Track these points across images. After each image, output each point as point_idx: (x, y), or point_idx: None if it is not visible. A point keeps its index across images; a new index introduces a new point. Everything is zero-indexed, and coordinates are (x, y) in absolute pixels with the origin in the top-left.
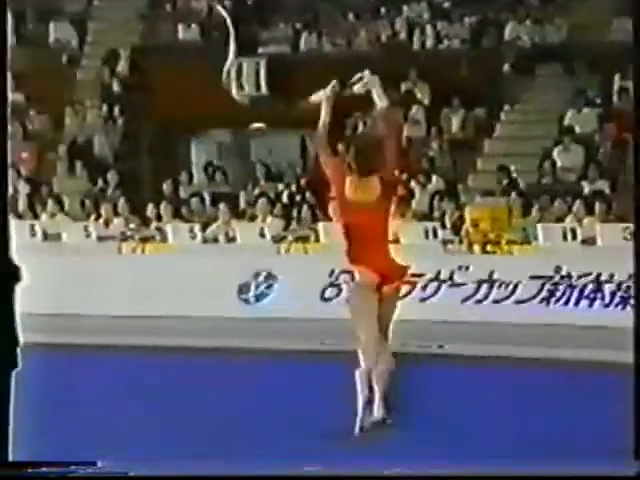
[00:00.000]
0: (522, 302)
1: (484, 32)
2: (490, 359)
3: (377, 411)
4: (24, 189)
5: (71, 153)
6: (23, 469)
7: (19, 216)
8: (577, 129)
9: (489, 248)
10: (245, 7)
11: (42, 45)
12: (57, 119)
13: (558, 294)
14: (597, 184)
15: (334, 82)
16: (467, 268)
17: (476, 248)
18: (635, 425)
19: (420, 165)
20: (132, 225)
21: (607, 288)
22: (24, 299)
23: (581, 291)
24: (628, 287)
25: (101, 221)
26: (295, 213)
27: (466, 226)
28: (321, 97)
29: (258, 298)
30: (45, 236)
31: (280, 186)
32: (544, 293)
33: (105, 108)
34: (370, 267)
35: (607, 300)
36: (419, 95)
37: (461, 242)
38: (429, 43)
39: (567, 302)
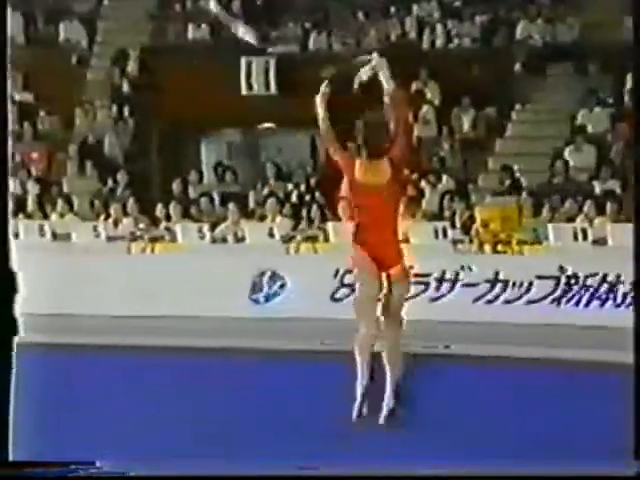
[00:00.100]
0: (532, 302)
1: (495, 31)
2: (497, 359)
3: (387, 400)
4: (34, 189)
5: (81, 153)
6: (23, 469)
7: (28, 216)
8: (589, 129)
9: (499, 248)
10: (254, 6)
11: (52, 45)
12: (67, 119)
13: (569, 295)
14: (609, 184)
15: (326, 82)
16: (477, 268)
17: (486, 248)
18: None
19: (431, 165)
20: (141, 225)
21: (618, 289)
22: (32, 300)
23: (592, 292)
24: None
25: (110, 221)
26: (304, 213)
27: (476, 226)
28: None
29: (267, 298)
30: (54, 236)
31: (289, 186)
32: (555, 293)
33: (115, 108)
34: (370, 250)
35: (619, 301)
36: (429, 95)
37: (471, 242)
38: (439, 42)
39: (578, 303)
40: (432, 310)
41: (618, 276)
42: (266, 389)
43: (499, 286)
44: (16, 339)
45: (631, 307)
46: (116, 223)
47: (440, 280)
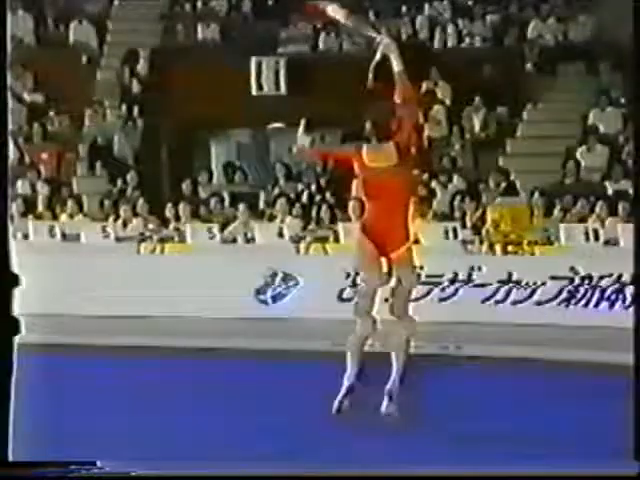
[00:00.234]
0: (543, 303)
1: (506, 30)
2: (508, 360)
3: (392, 383)
4: (43, 190)
5: (91, 154)
6: (23, 469)
7: (38, 217)
8: (601, 129)
9: (510, 249)
10: (265, 6)
11: (62, 46)
12: (77, 120)
13: (579, 295)
14: (621, 184)
15: (304, 120)
16: (487, 269)
17: (497, 248)
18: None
19: (441, 165)
20: (151, 226)
21: (629, 290)
22: (42, 300)
23: (602, 292)
24: None
25: (120, 222)
26: (314, 213)
27: (487, 226)
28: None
29: (276, 299)
30: (64, 237)
31: (299, 186)
32: (565, 294)
33: (125, 108)
34: (375, 235)
35: (628, 302)
36: (440, 94)
37: (482, 242)
38: (450, 42)
39: (587, 304)
40: (442, 311)
41: (628, 277)
42: (275, 390)
43: (510, 287)
44: (17, 339)
45: None
46: (125, 224)
47: (451, 281)
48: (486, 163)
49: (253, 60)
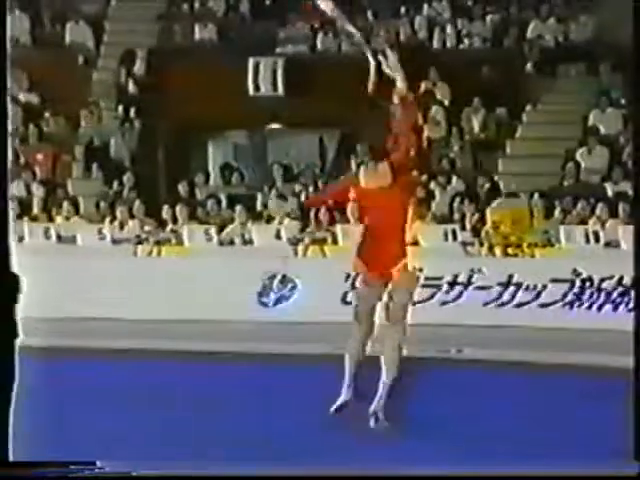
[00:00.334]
0: (544, 306)
1: (506, 31)
2: (509, 364)
3: (374, 404)
4: (38, 191)
5: (87, 155)
6: (23, 469)
7: (33, 219)
8: (601, 130)
9: (510, 251)
10: (263, 6)
11: (58, 46)
12: (73, 121)
13: (581, 298)
14: (621, 186)
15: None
16: (487, 271)
17: (497, 251)
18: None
19: (440, 166)
20: (147, 227)
21: (631, 292)
22: (37, 303)
23: (604, 295)
24: None
25: (116, 223)
26: (312, 215)
27: (487, 228)
28: None
29: (275, 301)
30: (59, 239)
31: (297, 187)
32: (567, 297)
33: (121, 109)
34: (371, 258)
35: (632, 304)
36: (439, 95)
37: (482, 244)
38: (450, 42)
39: (590, 306)
40: (442, 314)
41: (629, 279)
42: (275, 393)
43: (511, 289)
44: (17, 342)
45: None
46: (122, 226)
47: (451, 283)
48: (486, 165)
49: (251, 61)
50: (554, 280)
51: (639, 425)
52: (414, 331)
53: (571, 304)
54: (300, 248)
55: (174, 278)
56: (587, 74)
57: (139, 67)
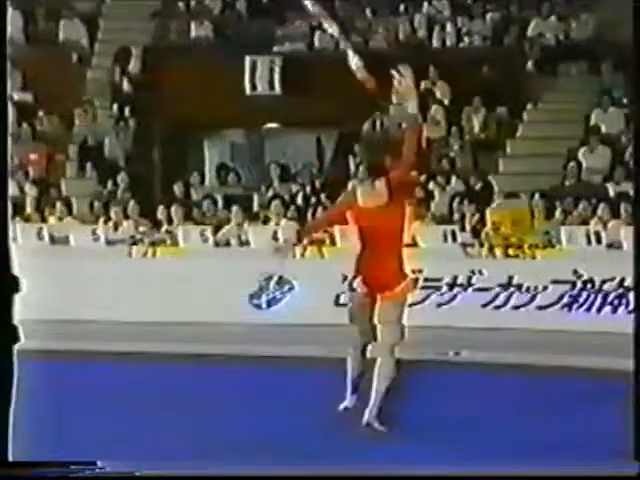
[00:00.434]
0: (544, 308)
1: (506, 29)
2: (508, 366)
3: (369, 413)
4: (32, 191)
5: (81, 154)
6: (23, 469)
7: (26, 219)
8: (603, 129)
9: (511, 252)
10: (260, 3)
11: (52, 44)
12: (67, 120)
13: (581, 300)
14: (623, 186)
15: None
16: (487, 272)
17: (497, 252)
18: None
19: (440, 166)
20: (142, 228)
21: (631, 294)
22: (30, 305)
23: (605, 297)
24: None
25: (110, 224)
26: (310, 216)
27: (487, 229)
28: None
29: (270, 303)
30: (53, 240)
31: (295, 188)
32: (566, 299)
33: (116, 108)
34: (366, 277)
35: (632, 306)
36: (439, 94)
37: (482, 246)
38: (449, 41)
39: (590, 308)
40: (441, 315)
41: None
42: (268, 396)
43: (511, 291)
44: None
45: None
46: (116, 226)
47: (450, 285)
48: (486, 165)
49: (247, 59)
50: (554, 282)
51: (639, 425)
52: (412, 333)
53: (572, 306)
54: (298, 249)
55: (169, 280)
56: (589, 73)
57: (134, 65)
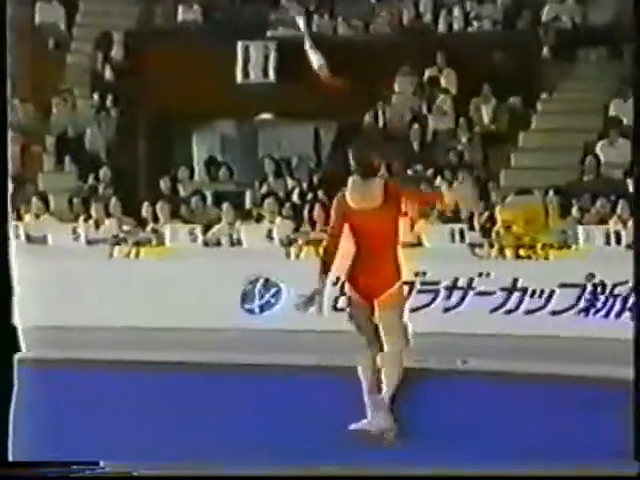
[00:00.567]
0: (558, 313)
1: (519, 12)
2: (518, 375)
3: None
4: None
5: (59, 147)
6: (23, 469)
7: None
8: (624, 121)
9: (522, 252)
10: None
11: (27, 27)
12: (44, 109)
13: (599, 304)
14: None
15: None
16: (497, 275)
17: (508, 252)
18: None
19: (447, 160)
20: (125, 227)
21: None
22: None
23: (624, 301)
24: None
25: (91, 222)
26: (307, 213)
27: (497, 228)
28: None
29: (263, 308)
30: (29, 239)
31: (290, 183)
32: (583, 303)
33: (97, 97)
34: (360, 281)
35: (629, 313)
36: (445, 83)
37: (491, 246)
38: (457, 25)
39: (608, 313)
40: (447, 321)
41: None
42: (268, 405)
43: (522, 295)
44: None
45: None
46: (98, 225)
47: (457, 288)
48: (496, 159)
49: (239, 44)
50: (570, 285)
51: (639, 424)
52: (416, 340)
53: (587, 311)
54: (293, 250)
55: (154, 282)
56: (608, 59)
57: (117, 51)
